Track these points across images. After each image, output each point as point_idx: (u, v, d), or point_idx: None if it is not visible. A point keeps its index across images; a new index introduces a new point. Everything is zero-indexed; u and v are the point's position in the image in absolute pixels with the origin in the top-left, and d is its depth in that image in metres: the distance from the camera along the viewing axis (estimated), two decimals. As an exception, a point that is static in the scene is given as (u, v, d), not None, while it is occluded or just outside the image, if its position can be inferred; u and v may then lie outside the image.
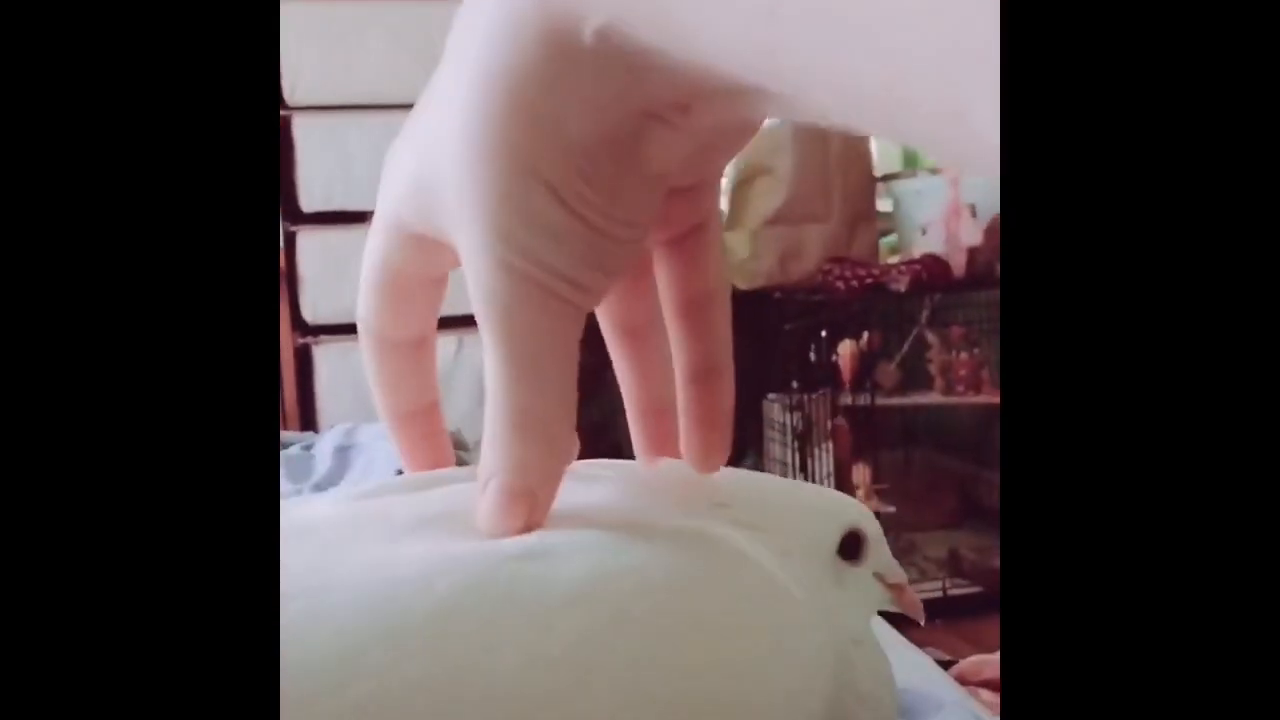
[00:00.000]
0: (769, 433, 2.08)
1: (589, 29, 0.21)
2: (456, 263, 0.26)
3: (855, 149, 2.15)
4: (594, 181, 0.23)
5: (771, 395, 2.06)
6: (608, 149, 0.23)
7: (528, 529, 0.24)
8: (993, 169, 0.15)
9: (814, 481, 1.86)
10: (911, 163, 2.43)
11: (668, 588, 0.24)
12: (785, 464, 1.95)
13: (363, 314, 0.28)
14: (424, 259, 0.26)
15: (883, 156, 2.41)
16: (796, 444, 1.90)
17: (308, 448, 0.84)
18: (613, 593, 0.23)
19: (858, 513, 0.30)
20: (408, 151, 0.26)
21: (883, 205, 2.26)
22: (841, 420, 1.89)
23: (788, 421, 1.95)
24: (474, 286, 0.24)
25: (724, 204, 2.20)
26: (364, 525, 0.25)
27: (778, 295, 2.07)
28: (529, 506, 0.24)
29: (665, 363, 0.30)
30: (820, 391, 1.90)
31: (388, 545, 0.24)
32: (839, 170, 2.13)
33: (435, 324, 0.29)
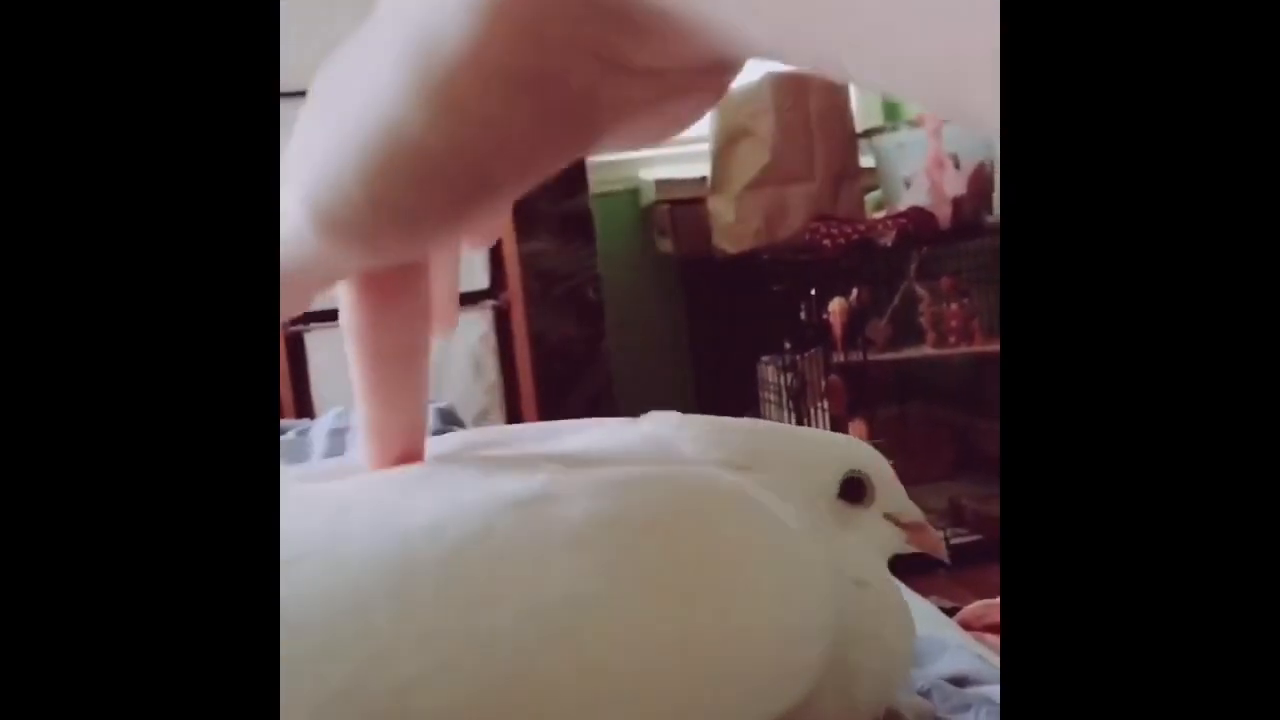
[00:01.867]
0: (764, 394, 2.08)
1: None
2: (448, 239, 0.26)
3: (835, 106, 2.15)
4: (521, 106, 0.20)
5: (765, 357, 2.07)
6: (554, 81, 0.20)
7: None
8: (992, 124, 0.14)
9: (811, 440, 1.87)
10: (892, 116, 2.42)
11: (665, 526, 0.24)
12: (779, 424, 1.95)
13: (346, 320, 0.27)
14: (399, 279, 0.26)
15: (863, 112, 2.40)
16: (792, 404, 1.90)
17: (303, 433, 0.84)
18: (612, 535, 0.23)
19: (861, 455, 0.30)
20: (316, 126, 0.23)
21: (866, 161, 2.25)
22: (835, 378, 1.89)
23: (782, 382, 1.95)
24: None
25: (707, 169, 2.19)
26: (378, 476, 0.26)
27: (766, 257, 2.07)
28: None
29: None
30: (813, 350, 1.91)
31: (399, 496, 0.24)
32: (820, 128, 2.13)
33: (425, 335, 0.27)
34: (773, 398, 2.03)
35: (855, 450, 0.30)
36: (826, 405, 1.89)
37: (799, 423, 1.88)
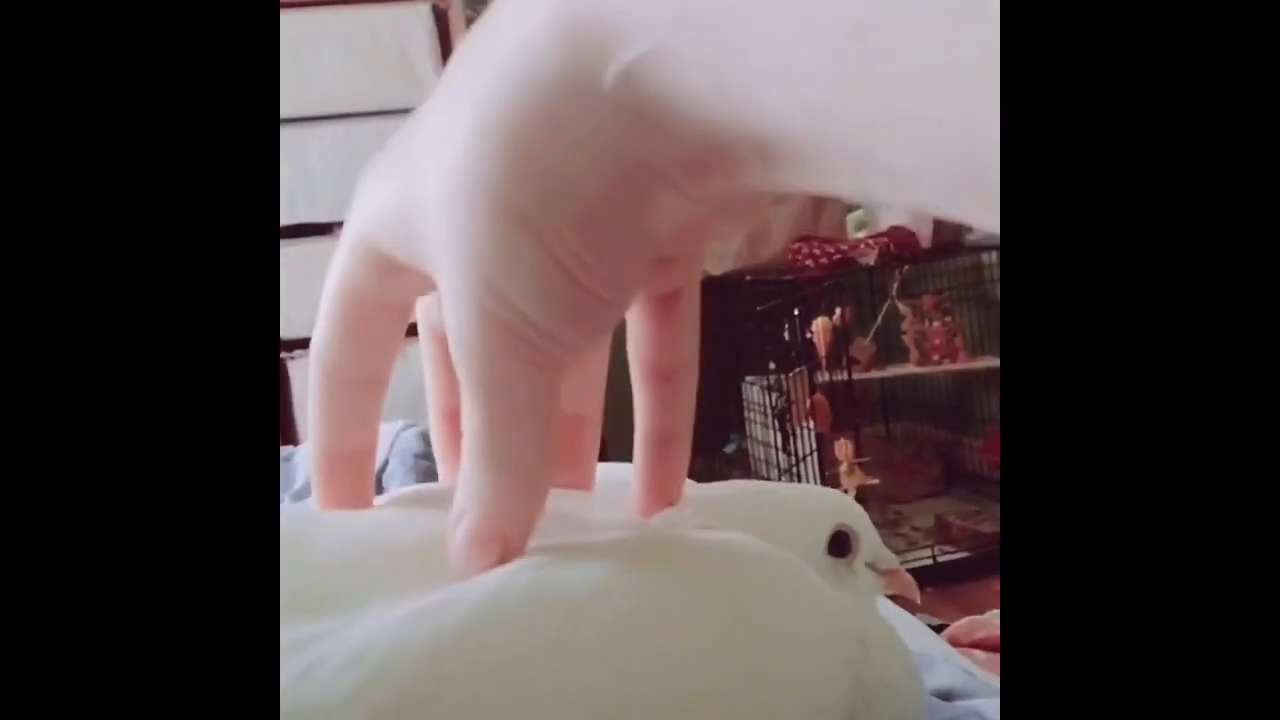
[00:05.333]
0: (749, 415, 2.09)
1: (616, 66, 0.20)
2: (422, 289, 0.26)
3: (815, 127, 2.16)
4: (587, 239, 0.21)
5: (750, 377, 2.07)
6: (607, 207, 0.21)
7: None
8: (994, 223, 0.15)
9: (797, 459, 1.88)
10: (872, 137, 2.43)
11: (686, 575, 0.24)
12: (768, 444, 1.96)
13: (317, 344, 0.27)
14: (391, 284, 0.25)
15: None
16: (777, 423, 1.91)
17: (286, 459, 0.84)
18: (633, 583, 0.23)
19: (843, 508, 0.30)
20: (391, 174, 0.25)
21: (847, 181, 2.26)
22: (820, 397, 1.90)
23: (767, 402, 1.96)
24: (451, 326, 0.23)
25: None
26: (371, 560, 0.24)
27: (749, 278, 2.08)
28: (500, 548, 0.23)
29: (598, 382, 0.29)
30: (797, 370, 1.91)
31: (400, 583, 0.23)
32: (801, 149, 2.14)
33: (390, 367, 0.28)
34: (758, 418, 2.03)
35: (839, 504, 0.30)
36: (812, 424, 1.89)
37: (785, 441, 1.89)
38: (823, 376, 1.94)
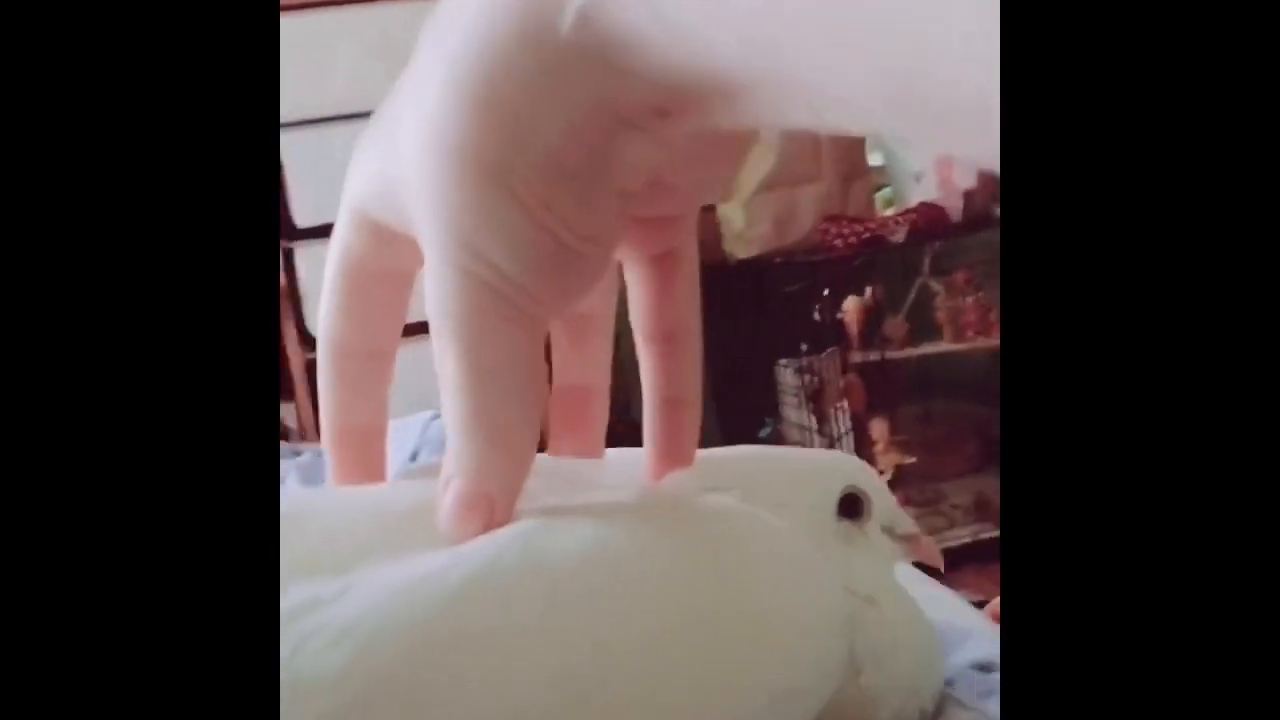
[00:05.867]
0: (783, 397, 2.08)
1: (570, 10, 0.20)
2: (418, 256, 0.26)
3: (840, 105, 2.15)
4: (557, 187, 0.21)
5: (782, 360, 2.06)
6: (574, 153, 0.21)
7: (487, 531, 0.23)
8: (994, 159, 0.14)
9: (832, 440, 1.87)
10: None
11: (671, 543, 0.24)
12: (803, 426, 1.95)
13: (323, 319, 0.27)
14: (388, 251, 0.25)
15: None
16: (811, 405, 1.90)
17: (319, 454, 0.85)
18: (616, 553, 0.23)
19: (853, 471, 0.30)
20: (375, 144, 0.25)
21: (874, 159, 2.25)
22: (853, 377, 1.89)
23: (800, 384, 1.95)
24: (430, 287, 0.23)
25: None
26: (372, 526, 0.25)
27: (777, 260, 2.07)
28: (487, 510, 0.23)
29: (603, 353, 0.30)
30: (829, 351, 1.90)
31: (398, 548, 0.23)
32: (826, 128, 2.13)
33: (396, 339, 0.28)
34: (792, 400, 2.02)
35: (848, 466, 0.30)
36: (846, 405, 1.88)
37: (820, 423, 1.88)
38: (855, 357, 1.93)
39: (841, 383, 1.89)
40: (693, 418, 0.28)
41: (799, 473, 0.29)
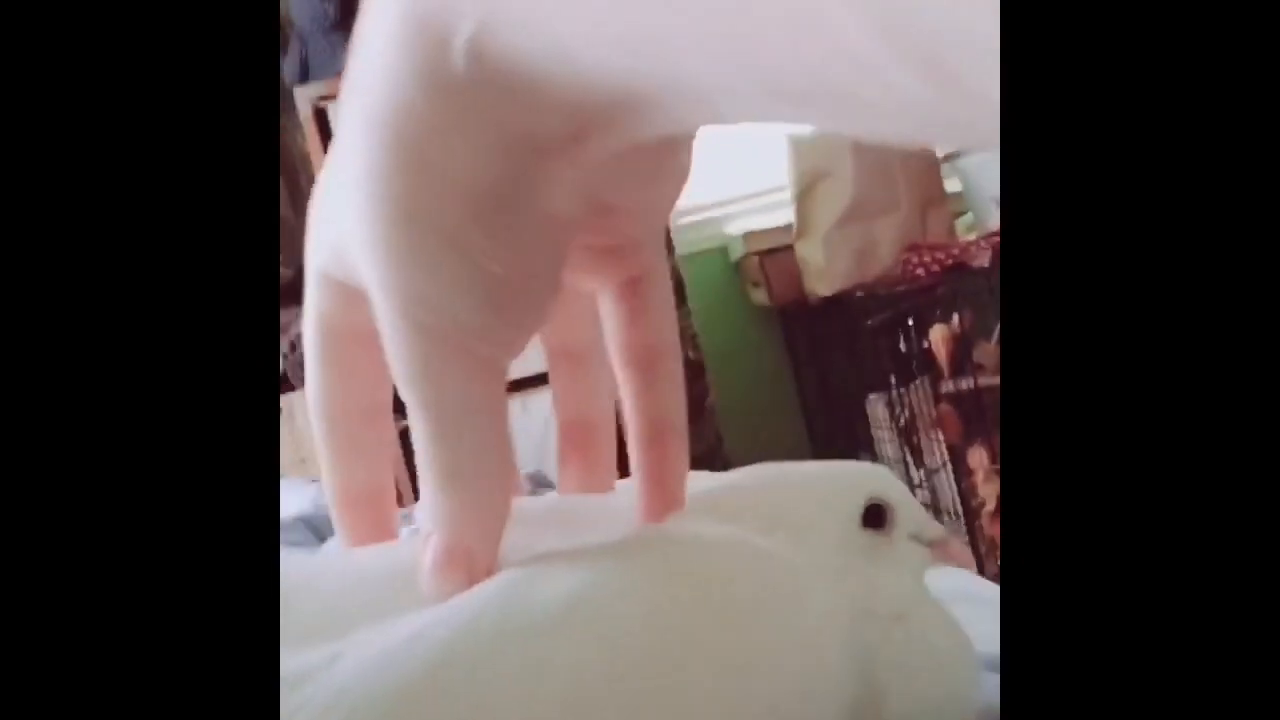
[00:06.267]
0: (876, 433, 2.05)
1: (460, 45, 0.20)
2: None
3: (912, 135, 2.13)
4: (487, 227, 0.21)
5: (872, 395, 2.04)
6: (500, 192, 0.21)
7: (470, 585, 0.23)
8: (991, 140, 0.14)
9: (928, 471, 1.83)
10: (972, 137, 2.38)
11: (656, 585, 0.23)
12: (898, 460, 1.92)
13: (308, 385, 0.27)
14: (356, 309, 0.25)
15: (942, 137, 2.37)
16: (903, 438, 1.87)
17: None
18: (601, 603, 0.22)
19: (873, 479, 0.28)
20: (325, 205, 0.25)
21: (952, 186, 2.22)
22: (946, 406, 1.85)
23: (891, 417, 1.92)
24: (385, 342, 0.23)
25: (791, 216, 2.19)
26: (371, 589, 0.25)
27: (859, 294, 2.05)
28: (467, 566, 0.23)
29: (600, 385, 0.29)
30: (918, 381, 1.87)
31: (391, 610, 0.23)
32: (900, 158, 2.11)
33: (387, 397, 0.27)
34: (885, 435, 1.99)
35: (869, 475, 0.29)
36: (941, 435, 1.85)
37: (913, 455, 1.85)
38: (948, 386, 1.89)
39: (934, 413, 1.85)
40: (680, 448, 0.28)
41: (814, 491, 0.28)
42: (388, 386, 0.27)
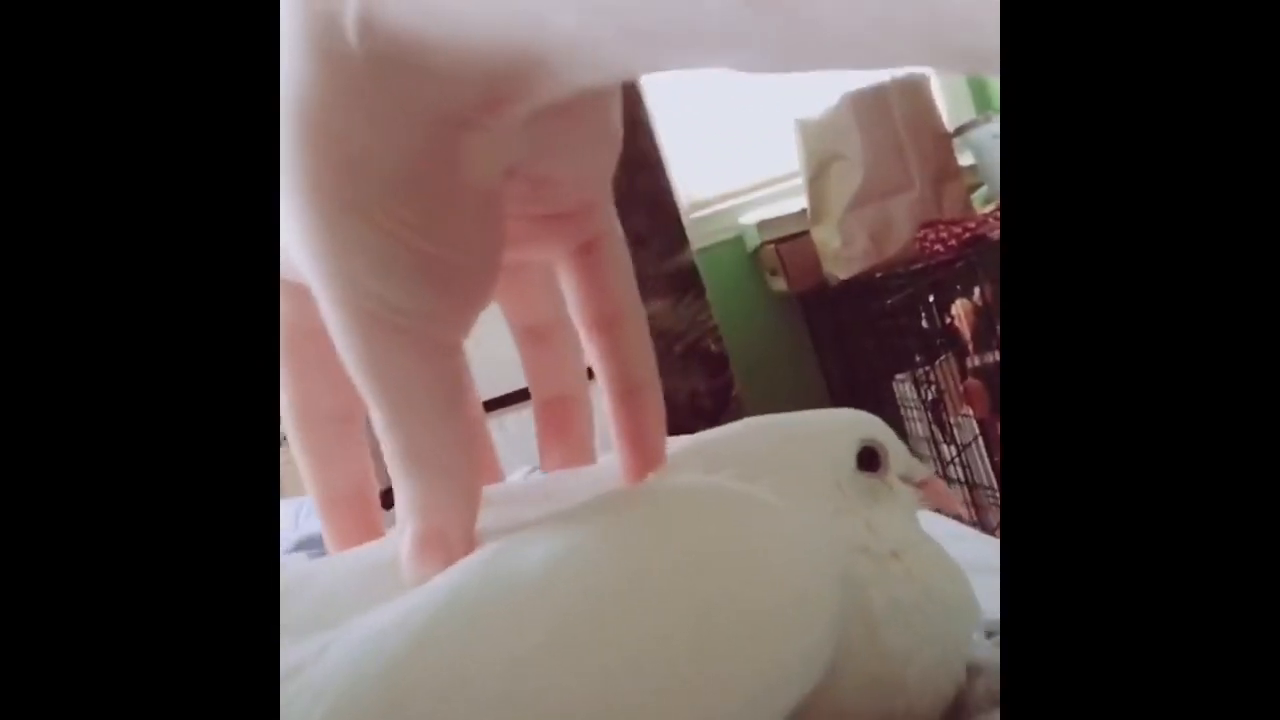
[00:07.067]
0: (905, 412, 2.04)
1: (350, 19, 0.19)
2: None
3: (921, 109, 2.12)
4: (414, 205, 0.21)
5: (899, 375, 2.03)
6: (416, 167, 0.20)
7: (448, 565, 0.23)
8: (992, 66, 0.13)
9: (960, 446, 1.82)
10: (983, 106, 2.37)
11: (644, 539, 0.23)
12: (928, 439, 1.91)
13: (282, 390, 0.27)
14: (310, 310, 0.24)
15: (952, 109, 2.36)
16: (931, 415, 1.86)
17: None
18: (581, 565, 0.22)
19: (862, 423, 0.29)
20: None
21: (965, 159, 2.21)
22: (974, 381, 1.84)
23: (919, 396, 1.91)
24: (331, 333, 0.22)
25: (804, 201, 2.19)
26: (360, 582, 0.25)
27: (879, 275, 2.04)
28: (443, 546, 0.23)
29: (569, 359, 0.29)
30: (943, 357, 1.87)
31: (377, 600, 0.23)
32: (910, 135, 2.10)
33: (355, 400, 0.26)
34: (914, 413, 1.99)
35: (857, 420, 0.30)
36: (971, 411, 1.84)
37: (943, 432, 1.84)
38: (973, 361, 1.88)
39: (961, 388, 1.85)
40: (655, 400, 0.27)
41: (807, 437, 0.29)
42: (352, 389, 0.27)
